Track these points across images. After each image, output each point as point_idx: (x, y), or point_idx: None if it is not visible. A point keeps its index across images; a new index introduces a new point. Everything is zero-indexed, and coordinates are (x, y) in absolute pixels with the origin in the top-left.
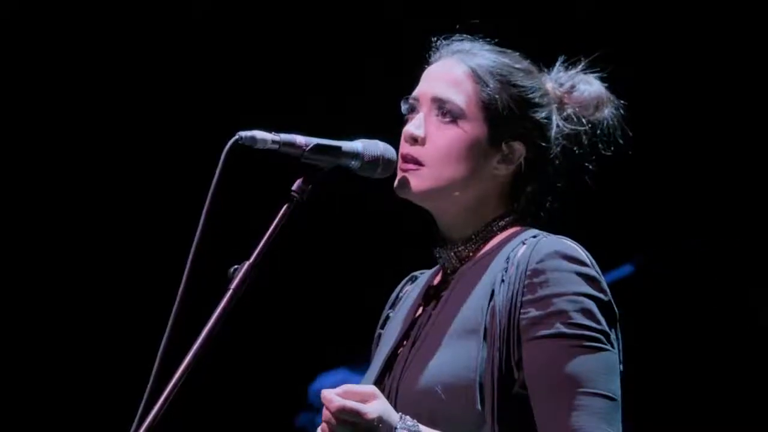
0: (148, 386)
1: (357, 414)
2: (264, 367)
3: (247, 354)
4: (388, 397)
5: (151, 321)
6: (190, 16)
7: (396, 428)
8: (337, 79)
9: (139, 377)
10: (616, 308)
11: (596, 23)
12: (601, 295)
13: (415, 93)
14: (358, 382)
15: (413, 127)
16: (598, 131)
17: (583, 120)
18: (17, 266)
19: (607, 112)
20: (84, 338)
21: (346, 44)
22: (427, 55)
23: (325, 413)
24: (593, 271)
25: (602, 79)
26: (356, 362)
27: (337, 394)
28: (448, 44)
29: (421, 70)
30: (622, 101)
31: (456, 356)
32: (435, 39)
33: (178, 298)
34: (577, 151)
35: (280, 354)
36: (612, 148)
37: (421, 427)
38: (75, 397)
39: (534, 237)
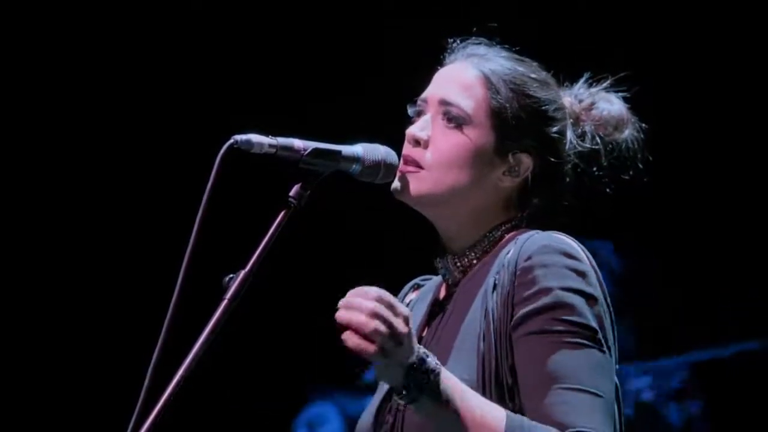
0: (140, 398)
1: (393, 310)
2: (261, 376)
3: (243, 364)
4: (394, 420)
5: (143, 330)
6: (186, 16)
7: (417, 351)
8: (337, 81)
9: (132, 388)
10: (609, 304)
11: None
12: (589, 290)
13: (424, 95)
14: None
15: (417, 128)
16: (615, 153)
17: (600, 140)
18: (9, 277)
19: (627, 133)
20: (78, 347)
21: (347, 46)
22: (441, 56)
23: (358, 312)
24: (585, 265)
25: (626, 100)
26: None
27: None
28: (463, 47)
29: (427, 72)
30: (644, 124)
31: (460, 372)
32: (451, 40)
33: (171, 308)
34: (591, 171)
35: (277, 363)
36: (630, 172)
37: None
38: (67, 405)
39: (526, 236)
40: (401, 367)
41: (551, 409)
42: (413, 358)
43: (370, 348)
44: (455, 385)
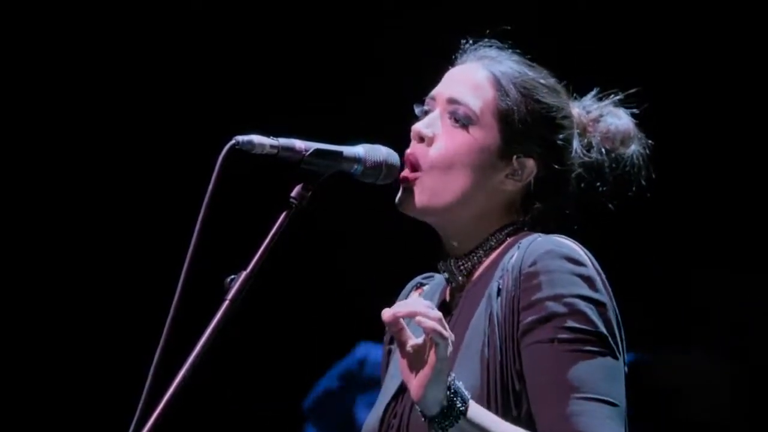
0: (142, 399)
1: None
2: (264, 377)
3: (246, 365)
4: (399, 423)
5: (144, 331)
6: (186, 17)
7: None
8: (338, 82)
9: (133, 389)
10: (616, 308)
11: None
12: (597, 296)
13: (432, 92)
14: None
15: (423, 125)
16: (620, 168)
17: (605, 153)
18: (11, 278)
19: (632, 149)
20: (79, 347)
21: (347, 46)
22: (443, 57)
23: (428, 321)
24: (590, 270)
25: (634, 116)
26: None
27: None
28: (474, 48)
29: (428, 73)
30: (650, 141)
31: (465, 378)
32: (463, 41)
33: (172, 309)
34: (596, 185)
35: (282, 363)
36: (634, 188)
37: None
38: (68, 406)
39: (528, 239)
40: (444, 385)
41: (568, 419)
42: (451, 379)
43: (445, 333)
44: (481, 410)
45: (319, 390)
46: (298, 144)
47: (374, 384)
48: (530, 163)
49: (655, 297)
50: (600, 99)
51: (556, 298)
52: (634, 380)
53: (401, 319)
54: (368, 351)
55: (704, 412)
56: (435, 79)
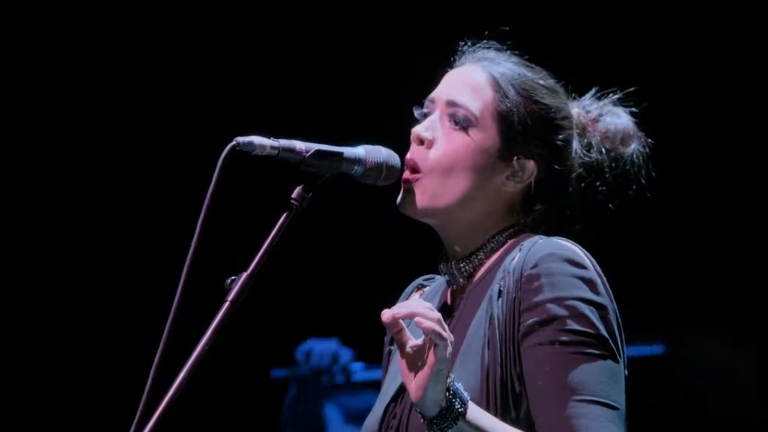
0: (142, 400)
1: (443, 342)
2: (261, 380)
3: (246, 366)
4: (398, 424)
5: (145, 332)
6: (187, 17)
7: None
8: (339, 83)
9: (134, 391)
10: (617, 311)
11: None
12: (598, 299)
13: (432, 95)
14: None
15: (422, 128)
16: (620, 167)
17: (605, 152)
18: (11, 279)
19: (632, 148)
20: (80, 349)
21: (349, 47)
22: (444, 59)
23: (428, 322)
24: (591, 273)
25: (633, 115)
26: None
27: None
28: (473, 50)
29: (429, 75)
30: (650, 140)
31: (465, 378)
32: (462, 43)
33: (172, 310)
34: (595, 185)
35: (277, 366)
36: (634, 187)
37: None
38: (69, 407)
39: (530, 242)
40: (443, 386)
41: (568, 422)
42: (450, 380)
43: (444, 334)
44: (480, 411)
45: (286, 403)
46: (299, 145)
47: (321, 376)
48: (530, 165)
49: (657, 296)
50: (599, 98)
51: (557, 300)
52: (660, 371)
53: (401, 320)
54: (312, 344)
55: (727, 403)
56: (436, 80)
